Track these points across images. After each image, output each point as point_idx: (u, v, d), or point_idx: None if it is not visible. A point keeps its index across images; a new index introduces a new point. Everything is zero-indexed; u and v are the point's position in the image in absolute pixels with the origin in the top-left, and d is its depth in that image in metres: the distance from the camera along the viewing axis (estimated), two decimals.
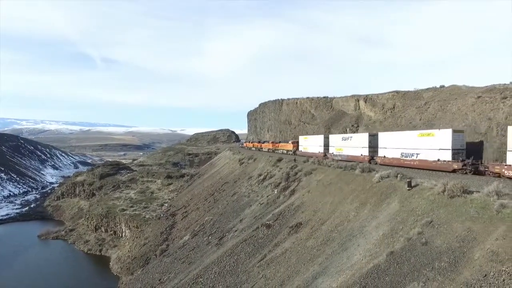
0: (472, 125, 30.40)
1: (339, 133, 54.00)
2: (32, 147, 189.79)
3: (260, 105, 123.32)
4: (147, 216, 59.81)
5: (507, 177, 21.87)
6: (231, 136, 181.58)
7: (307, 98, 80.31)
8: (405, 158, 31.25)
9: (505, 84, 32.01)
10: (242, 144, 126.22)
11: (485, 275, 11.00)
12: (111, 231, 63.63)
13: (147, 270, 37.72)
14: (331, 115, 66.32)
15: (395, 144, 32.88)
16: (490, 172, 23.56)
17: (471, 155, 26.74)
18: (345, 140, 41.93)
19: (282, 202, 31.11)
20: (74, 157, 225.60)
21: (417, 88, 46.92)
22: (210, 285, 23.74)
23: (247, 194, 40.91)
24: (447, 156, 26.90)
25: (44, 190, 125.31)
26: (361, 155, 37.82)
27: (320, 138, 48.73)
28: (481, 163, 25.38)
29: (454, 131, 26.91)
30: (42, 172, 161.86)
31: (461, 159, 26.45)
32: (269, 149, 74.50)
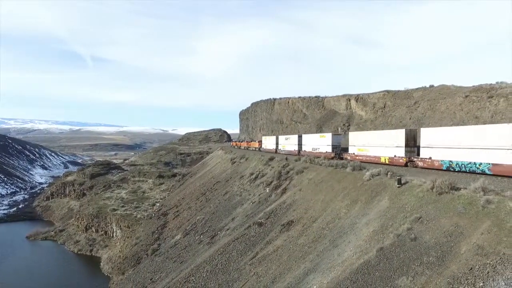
0: (460, 124, 30.95)
1: (331, 132, 54.83)
2: (20, 147, 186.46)
3: (252, 104, 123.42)
4: (138, 216, 59.36)
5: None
6: (223, 136, 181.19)
7: (299, 97, 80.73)
8: (314, 151, 45.98)
9: (491, 84, 32.69)
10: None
11: (471, 268, 11.29)
12: (102, 231, 62.98)
13: (139, 269, 37.48)
14: (323, 114, 66.77)
15: (310, 142, 48.96)
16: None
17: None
18: (287, 139, 58.22)
19: (274, 200, 31.24)
20: (64, 157, 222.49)
21: (407, 87, 47.62)
22: (202, 283, 23.74)
23: (239, 193, 40.95)
24: (329, 149, 42.04)
25: (33, 191, 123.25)
26: (294, 150, 52.55)
27: (273, 138, 65.28)
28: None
29: (333, 134, 43.62)
30: (30, 172, 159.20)
31: (335, 151, 40.99)
32: (244, 147, 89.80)
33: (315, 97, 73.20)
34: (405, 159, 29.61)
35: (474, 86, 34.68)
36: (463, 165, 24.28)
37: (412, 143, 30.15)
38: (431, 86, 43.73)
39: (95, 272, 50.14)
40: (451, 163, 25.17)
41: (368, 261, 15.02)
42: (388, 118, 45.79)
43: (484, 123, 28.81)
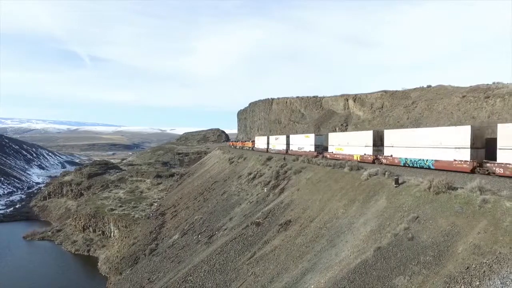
0: (457, 124, 31.07)
1: (328, 132, 55.04)
2: (17, 147, 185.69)
3: (250, 104, 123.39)
4: (136, 216, 59.25)
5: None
6: (221, 136, 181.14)
7: (297, 97, 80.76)
8: (300, 150, 49.42)
9: (488, 84, 32.83)
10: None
11: (468, 268, 11.33)
12: (99, 231, 62.80)
13: (136, 269, 37.39)
14: (321, 114, 66.85)
15: (296, 142, 52.28)
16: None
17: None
18: (276, 139, 62.59)
19: (271, 200, 31.24)
20: (61, 156, 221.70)
21: (405, 88, 47.73)
22: (200, 283, 23.71)
23: (237, 193, 40.93)
24: (312, 148, 45.42)
25: (30, 191, 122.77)
26: (283, 149, 56.51)
27: (265, 138, 69.08)
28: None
29: (316, 135, 46.84)
30: (28, 172, 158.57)
31: (317, 150, 44.35)
32: (239, 146, 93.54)
33: (313, 97, 73.26)
34: (372, 157, 33.22)
35: (471, 86, 34.83)
36: (415, 162, 28.29)
37: (379, 143, 33.39)
38: (429, 86, 43.86)
39: (93, 272, 50.01)
40: (406, 160, 29.22)
41: (366, 260, 15.04)
42: (385, 118, 45.89)
43: (481, 123, 28.96)
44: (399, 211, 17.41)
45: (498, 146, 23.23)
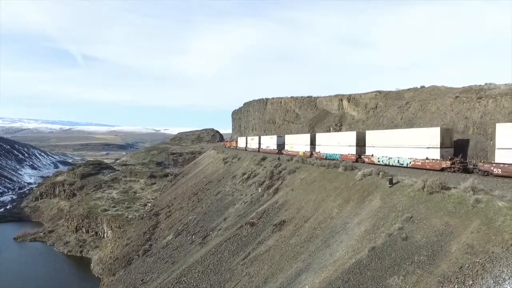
0: (450, 124, 31.32)
1: (323, 131, 55.10)
2: (8, 146, 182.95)
3: (244, 104, 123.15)
4: (129, 216, 58.80)
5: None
6: (215, 136, 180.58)
7: (292, 97, 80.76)
8: (267, 148, 63.25)
9: (480, 85, 33.13)
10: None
11: (461, 267, 11.39)
12: (92, 231, 62.21)
13: (130, 270, 37.05)
14: (315, 114, 66.94)
15: (265, 142, 65.76)
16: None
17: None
18: (252, 140, 73.40)
19: (266, 200, 31.18)
20: (54, 156, 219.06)
21: (398, 88, 47.87)
22: (194, 284, 23.55)
23: (231, 193, 40.80)
24: (275, 146, 59.19)
25: (21, 191, 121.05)
26: (256, 147, 69.93)
27: (244, 139, 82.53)
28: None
29: (277, 136, 60.72)
30: (19, 172, 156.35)
31: (278, 148, 57.79)
32: (228, 145, 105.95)
33: (308, 97, 73.31)
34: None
35: (464, 87, 35.11)
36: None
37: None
38: (422, 87, 44.12)
39: (85, 273, 49.49)
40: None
41: (360, 260, 15.06)
42: (379, 118, 46.11)
43: (474, 123, 29.25)
44: (393, 211, 17.46)
45: (366, 145, 34.73)
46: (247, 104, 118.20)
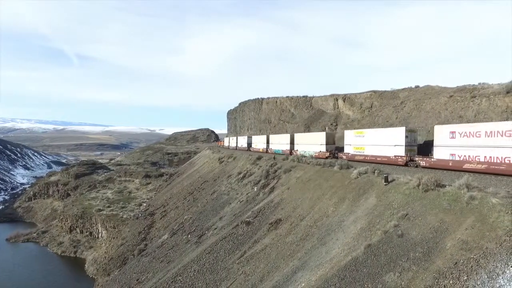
0: (445, 123, 31.61)
1: (318, 131, 55.41)
2: (0, 147, 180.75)
3: (240, 104, 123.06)
4: (124, 216, 58.39)
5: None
6: (210, 136, 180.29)
7: (287, 97, 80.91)
8: (241, 146, 77.56)
9: (474, 84, 33.51)
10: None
11: (456, 263, 11.48)
12: (86, 232, 61.70)
13: (125, 270, 36.80)
14: (311, 114, 67.12)
15: (240, 141, 79.83)
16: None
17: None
18: (243, 139, 79.54)
19: (261, 199, 31.18)
20: (47, 156, 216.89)
21: (393, 88, 48.26)
22: (189, 283, 23.46)
23: (226, 192, 40.74)
24: (246, 145, 73.46)
25: (14, 191, 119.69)
26: (234, 146, 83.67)
27: (235, 138, 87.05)
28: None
29: (248, 137, 74.90)
30: (11, 172, 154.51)
31: (248, 146, 71.34)
32: (219, 145, 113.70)
33: (303, 96, 73.48)
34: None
35: (458, 86, 35.50)
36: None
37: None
38: (417, 87, 44.50)
39: (80, 274, 49.07)
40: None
41: (356, 258, 15.11)
42: (375, 117, 46.37)
43: (468, 121, 29.56)
44: (388, 208, 17.55)
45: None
46: (243, 104, 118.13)
